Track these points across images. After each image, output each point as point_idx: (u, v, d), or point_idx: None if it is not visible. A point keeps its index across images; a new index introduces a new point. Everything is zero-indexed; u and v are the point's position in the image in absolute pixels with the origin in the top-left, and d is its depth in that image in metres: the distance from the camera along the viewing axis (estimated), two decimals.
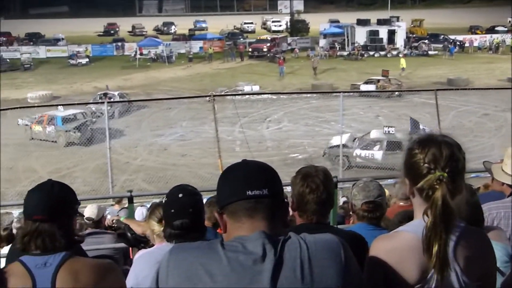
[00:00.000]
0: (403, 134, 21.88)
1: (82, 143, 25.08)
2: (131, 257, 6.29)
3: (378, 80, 38.91)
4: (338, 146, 22.22)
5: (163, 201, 3.53)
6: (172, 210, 3.42)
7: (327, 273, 2.03)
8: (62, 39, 71.62)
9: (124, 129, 28.89)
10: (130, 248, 6.12)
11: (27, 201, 2.83)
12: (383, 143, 22.15)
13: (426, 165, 2.33)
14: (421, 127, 21.44)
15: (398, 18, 66.52)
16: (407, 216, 4.30)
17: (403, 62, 48.36)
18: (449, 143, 2.37)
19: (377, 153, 22.27)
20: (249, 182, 2.11)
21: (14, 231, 8.21)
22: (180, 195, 3.44)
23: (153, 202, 7.24)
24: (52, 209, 2.78)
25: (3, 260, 5.97)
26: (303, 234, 2.11)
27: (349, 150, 22.51)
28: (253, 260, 2.00)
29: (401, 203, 6.96)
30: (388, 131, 22.29)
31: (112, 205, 13.07)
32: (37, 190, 2.85)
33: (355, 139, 23.57)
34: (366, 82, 38.83)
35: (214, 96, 19.96)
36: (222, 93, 34.05)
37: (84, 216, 6.69)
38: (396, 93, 34.69)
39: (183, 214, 3.39)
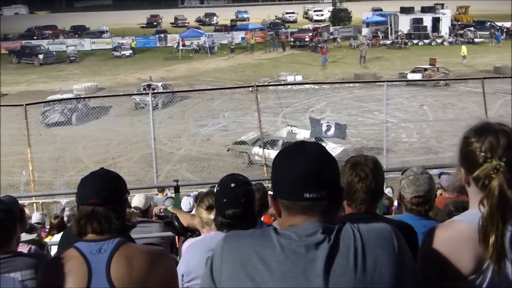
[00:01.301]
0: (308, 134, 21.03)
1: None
2: (177, 246, 6.36)
3: (426, 69, 38.40)
4: (241, 142, 22.57)
5: (215, 190, 3.55)
6: (225, 200, 3.43)
7: (380, 261, 2.02)
8: (106, 31, 72.52)
9: (167, 120, 29.15)
10: (177, 237, 6.18)
11: (81, 187, 2.90)
12: (278, 143, 21.66)
13: (482, 153, 2.27)
14: (322, 122, 21.14)
15: (442, 5, 65.38)
16: (458, 206, 4.26)
17: (464, 49, 47.50)
18: (507, 131, 2.31)
19: (273, 153, 20.51)
20: (307, 184, 2.06)
21: (66, 219, 8.40)
22: (233, 185, 3.44)
23: (200, 191, 7.28)
24: (107, 193, 2.86)
25: (54, 248, 6.12)
26: (357, 223, 2.11)
27: (249, 147, 22.43)
28: (307, 248, 2.00)
29: (446, 195, 6.89)
30: (291, 131, 22.00)
31: (156, 194, 13.23)
32: (91, 176, 2.93)
33: (257, 140, 22.79)
34: (413, 71, 38.37)
35: (257, 86, 19.96)
36: (265, 84, 34.04)
37: (131, 205, 6.77)
38: (442, 82, 34.13)
39: (236, 203, 3.41)
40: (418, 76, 37.07)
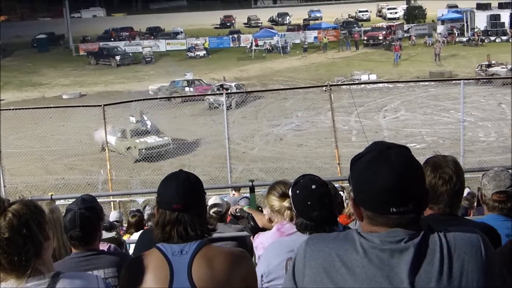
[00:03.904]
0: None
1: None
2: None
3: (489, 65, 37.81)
4: None
5: (293, 192, 3.52)
6: (309, 202, 3.40)
7: (467, 268, 1.99)
8: (181, 32, 73.51)
9: (241, 120, 29.38)
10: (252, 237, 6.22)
11: (164, 191, 2.92)
12: None
13: None
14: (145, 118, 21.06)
15: None
16: None
17: None
18: None
19: None
20: (393, 198, 1.98)
21: (146, 217, 8.59)
22: (313, 186, 3.43)
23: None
24: (190, 198, 2.88)
25: (133, 246, 6.27)
26: (443, 228, 2.07)
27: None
28: (391, 253, 1.98)
29: None
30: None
31: (233, 194, 13.33)
32: (173, 179, 2.93)
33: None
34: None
35: (331, 86, 19.86)
36: (339, 83, 33.83)
37: (209, 208, 6.79)
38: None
39: (321, 205, 3.40)
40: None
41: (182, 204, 2.85)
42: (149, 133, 25.33)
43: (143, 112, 25.30)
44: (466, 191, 11.62)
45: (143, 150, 24.44)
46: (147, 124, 25.37)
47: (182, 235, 2.84)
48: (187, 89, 39.39)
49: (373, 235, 2.03)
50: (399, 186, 1.97)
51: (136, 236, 7.13)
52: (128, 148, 24.84)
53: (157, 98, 27.60)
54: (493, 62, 39.56)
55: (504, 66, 37.81)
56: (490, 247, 2.08)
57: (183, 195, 2.86)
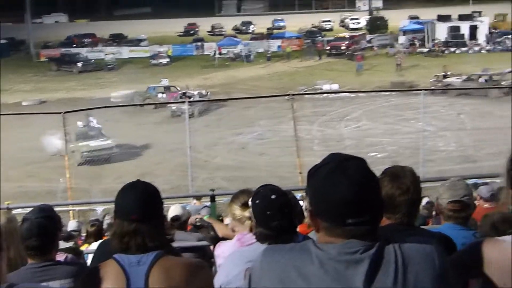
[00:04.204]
0: None
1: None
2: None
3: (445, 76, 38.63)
4: None
5: (252, 202, 3.52)
6: (268, 212, 3.40)
7: (421, 279, 2.01)
8: (144, 39, 73.21)
9: (203, 128, 29.31)
10: (212, 247, 6.21)
11: (121, 201, 2.88)
12: None
13: None
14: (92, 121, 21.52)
15: (480, 13, 64.75)
16: (506, 219, 4.12)
17: None
18: None
19: None
20: (350, 209, 2.00)
21: (105, 227, 8.49)
22: (273, 196, 3.43)
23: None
24: (148, 208, 2.85)
25: (91, 256, 6.18)
26: (398, 239, 2.10)
27: None
28: (347, 264, 2.00)
29: (486, 205, 6.80)
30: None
31: (194, 203, 13.26)
32: (131, 189, 2.90)
33: None
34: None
35: (293, 95, 19.94)
36: (301, 92, 34.02)
37: (169, 216, 6.79)
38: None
39: (280, 215, 3.40)
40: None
41: (140, 215, 2.81)
42: (94, 137, 25.12)
43: (89, 115, 25.11)
44: (425, 200, 11.75)
45: (85, 153, 24.13)
46: (94, 128, 25.14)
47: (140, 246, 2.81)
48: (160, 95, 39.23)
49: (329, 246, 2.04)
50: (356, 198, 2.00)
51: (94, 246, 7.04)
52: (73, 152, 24.59)
53: (118, 106, 27.39)
54: (448, 72, 40.33)
55: (459, 77, 38.54)
56: (444, 257, 2.11)
57: (140, 206, 2.83)
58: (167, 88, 40.61)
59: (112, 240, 2.91)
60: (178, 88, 40.56)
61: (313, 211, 2.10)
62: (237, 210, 3.99)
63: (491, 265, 2.23)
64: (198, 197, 13.26)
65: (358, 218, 2.01)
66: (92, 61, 60.03)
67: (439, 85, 38.02)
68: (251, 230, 3.82)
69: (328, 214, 2.05)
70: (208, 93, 39.84)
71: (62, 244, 5.66)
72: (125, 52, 66.54)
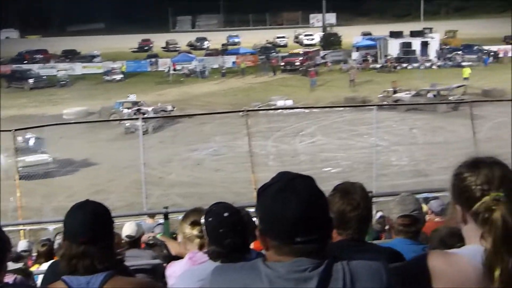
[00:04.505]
0: None
1: None
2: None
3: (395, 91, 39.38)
4: None
5: (205, 220, 3.52)
6: (221, 230, 3.40)
7: None
8: (98, 55, 72.60)
9: (158, 144, 29.12)
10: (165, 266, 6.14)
11: (69, 223, 2.85)
12: None
13: (479, 187, 2.21)
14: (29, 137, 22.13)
15: (431, 29, 66.22)
16: (454, 233, 4.17)
17: (466, 71, 47.67)
18: (499, 163, 2.28)
19: None
20: (299, 227, 2.02)
21: (56, 246, 8.31)
22: (226, 214, 3.43)
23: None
24: (97, 230, 2.81)
25: (41, 276, 6.06)
26: (346, 256, 2.12)
27: None
28: (296, 282, 2.01)
29: (437, 219, 6.91)
30: None
31: (144, 220, 13.12)
32: (79, 211, 2.86)
33: None
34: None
35: (248, 111, 19.99)
36: (256, 108, 34.15)
37: (123, 234, 6.73)
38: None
39: (233, 233, 3.40)
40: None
41: (88, 237, 2.78)
42: (33, 151, 24.74)
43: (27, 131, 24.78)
44: (379, 214, 11.88)
45: (20, 169, 23.71)
46: (31, 143, 24.76)
47: (88, 268, 2.77)
48: (126, 110, 38.92)
49: (278, 265, 2.05)
50: (305, 217, 2.02)
51: (45, 266, 6.89)
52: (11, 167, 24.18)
53: (70, 123, 27.00)
54: (397, 88, 41.10)
55: (408, 92, 39.28)
56: (391, 275, 2.13)
57: (89, 228, 2.79)
58: (134, 104, 40.31)
59: (60, 262, 2.87)
60: (146, 103, 40.45)
61: (262, 230, 2.11)
62: (187, 229, 3.98)
63: (440, 278, 2.25)
64: (152, 215, 13.12)
65: (306, 236, 2.03)
66: (44, 77, 59.21)
67: (389, 100, 38.66)
68: (200, 248, 3.81)
69: (277, 233, 2.05)
70: (175, 108, 40.09)
71: (11, 265, 5.53)
72: (78, 68, 65.82)
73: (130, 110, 37.43)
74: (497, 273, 2.13)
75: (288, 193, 2.04)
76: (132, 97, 42.33)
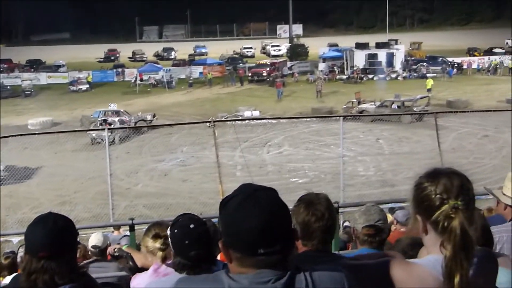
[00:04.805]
0: None
1: None
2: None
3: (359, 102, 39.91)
4: None
5: (171, 231, 3.51)
6: (186, 242, 3.39)
7: None
8: (63, 65, 71.94)
9: (124, 155, 28.92)
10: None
11: (30, 237, 2.79)
12: None
13: (438, 196, 2.29)
14: None
15: (396, 41, 67.08)
16: (415, 243, 4.24)
17: (429, 82, 48.31)
18: (457, 173, 2.35)
19: None
20: (261, 239, 2.02)
21: (19, 259, 8.19)
22: (192, 226, 3.42)
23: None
24: (57, 245, 2.76)
25: None
26: (308, 267, 2.13)
27: None
28: None
29: (402, 229, 6.97)
30: None
31: (112, 231, 13.02)
32: (40, 225, 2.80)
33: None
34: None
35: (215, 121, 19.99)
36: (223, 119, 34.18)
37: (89, 244, 6.68)
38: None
39: (198, 244, 3.39)
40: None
41: (49, 252, 2.72)
42: None
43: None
44: (346, 224, 11.95)
45: None
46: None
47: (48, 284, 2.72)
48: (109, 119, 38.38)
49: (242, 277, 2.05)
50: (267, 228, 2.02)
51: (8, 279, 6.78)
52: None
53: (34, 134, 26.63)
54: (361, 99, 41.55)
55: (373, 103, 39.71)
56: (353, 284, 2.15)
57: (49, 243, 2.74)
58: (115, 113, 39.99)
59: (21, 276, 2.81)
60: (127, 112, 40.31)
61: (225, 242, 2.11)
62: (149, 242, 4.01)
63: (400, 286, 2.30)
64: (117, 227, 13.01)
65: (269, 248, 2.03)
66: (8, 87, 58.35)
67: (353, 111, 39.03)
68: (162, 261, 3.82)
69: (239, 245, 2.06)
70: (156, 118, 40.21)
71: None
72: (43, 78, 65.17)
73: (99, 120, 37.12)
74: (456, 279, 2.19)
75: (250, 205, 2.04)
76: (113, 106, 41.99)
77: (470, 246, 2.23)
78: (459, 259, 2.20)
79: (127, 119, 38.55)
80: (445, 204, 2.27)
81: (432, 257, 2.32)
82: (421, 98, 40.48)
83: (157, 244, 3.88)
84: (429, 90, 46.73)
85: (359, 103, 40.69)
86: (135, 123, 37.81)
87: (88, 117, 40.24)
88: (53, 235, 2.76)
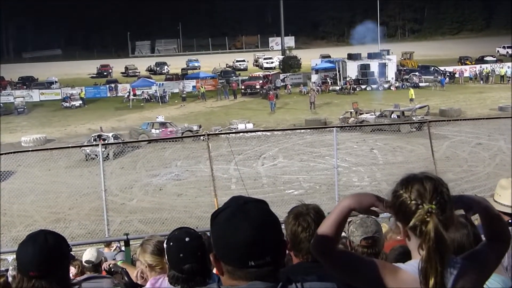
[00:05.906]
0: None
1: None
2: None
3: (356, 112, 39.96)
4: None
5: (166, 245, 3.52)
6: (181, 255, 3.40)
7: None
8: (56, 82, 71.94)
9: (119, 170, 28.86)
10: None
11: (21, 256, 2.77)
12: None
13: (413, 201, 2.33)
14: None
15: (388, 51, 67.36)
16: (406, 251, 4.28)
17: (411, 92, 48.53)
18: (430, 177, 2.39)
19: None
20: (252, 252, 2.03)
21: (10, 279, 8.13)
22: (187, 239, 3.43)
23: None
24: (48, 264, 2.73)
25: None
26: (300, 278, 2.13)
27: None
28: None
29: (398, 237, 6.95)
30: None
31: (105, 249, 12.93)
32: (30, 244, 2.78)
33: None
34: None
35: (208, 135, 19.99)
36: (217, 132, 34.20)
37: (83, 259, 6.66)
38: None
39: (193, 258, 3.40)
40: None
41: (39, 271, 2.70)
42: None
43: None
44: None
45: None
46: None
47: None
48: (154, 131, 39.50)
49: None
50: (258, 240, 2.02)
51: None
52: None
53: (28, 151, 26.55)
54: (359, 109, 41.63)
55: (373, 113, 39.77)
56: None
57: (40, 262, 2.71)
58: (162, 124, 40.43)
59: None
60: (175, 125, 40.62)
61: (216, 255, 2.12)
62: (146, 257, 4.01)
63: None
64: (107, 243, 12.91)
65: (260, 260, 2.03)
66: (1, 105, 58.32)
67: (352, 121, 39.09)
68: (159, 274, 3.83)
69: (230, 257, 2.06)
70: (202, 128, 40.21)
71: None
72: (36, 95, 65.14)
73: (92, 136, 37.08)
74: (431, 282, 2.24)
75: (240, 218, 2.05)
76: (161, 118, 42.94)
77: (445, 251, 2.26)
78: (433, 262, 2.24)
79: (174, 130, 39.13)
80: (420, 209, 2.31)
81: (415, 261, 2.36)
82: (420, 107, 40.58)
83: (155, 259, 3.86)
84: (411, 100, 47.03)
85: (356, 113, 40.74)
86: (182, 133, 38.06)
87: (137, 129, 40.31)
88: (43, 254, 2.74)
